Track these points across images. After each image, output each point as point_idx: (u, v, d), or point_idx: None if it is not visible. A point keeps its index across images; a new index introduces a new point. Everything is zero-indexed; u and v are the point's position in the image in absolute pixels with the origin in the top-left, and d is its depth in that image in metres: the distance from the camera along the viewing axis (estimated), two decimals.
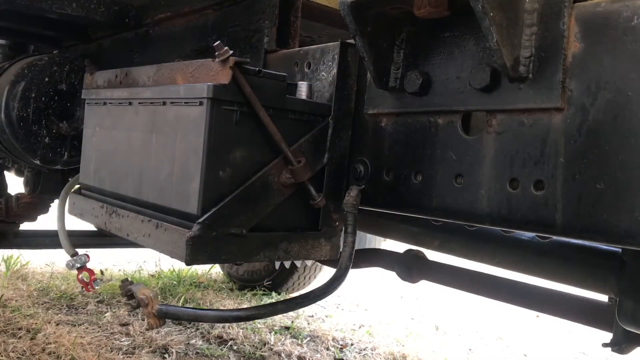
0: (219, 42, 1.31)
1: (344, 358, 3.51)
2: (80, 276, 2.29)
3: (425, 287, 3.82)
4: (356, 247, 1.50)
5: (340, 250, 1.52)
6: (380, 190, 1.44)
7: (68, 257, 2.28)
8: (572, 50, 1.07)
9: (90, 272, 2.30)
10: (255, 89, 1.34)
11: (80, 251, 2.31)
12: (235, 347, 3.41)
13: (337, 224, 1.55)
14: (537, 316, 4.55)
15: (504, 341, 4.20)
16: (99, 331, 3.35)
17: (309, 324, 4.10)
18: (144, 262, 5.17)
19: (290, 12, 1.79)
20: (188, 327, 3.62)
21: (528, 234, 1.66)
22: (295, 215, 1.49)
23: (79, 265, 2.26)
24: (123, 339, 3.26)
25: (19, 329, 3.20)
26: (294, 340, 3.66)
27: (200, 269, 5.06)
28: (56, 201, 2.53)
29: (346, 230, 1.48)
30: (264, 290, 4.51)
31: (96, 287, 2.33)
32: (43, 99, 2.43)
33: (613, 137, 1.01)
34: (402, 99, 1.38)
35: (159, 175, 1.50)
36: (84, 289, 2.32)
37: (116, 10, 2.40)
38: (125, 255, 5.23)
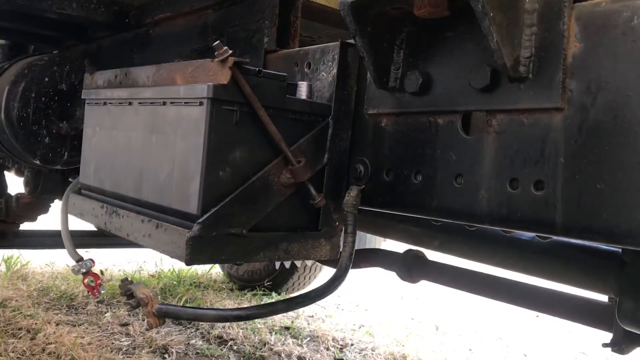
0: (218, 42, 1.31)
1: (344, 358, 3.51)
2: (86, 281, 2.29)
3: (425, 287, 3.82)
4: (356, 247, 1.50)
5: (340, 250, 1.52)
6: (380, 190, 1.44)
7: (71, 259, 2.28)
8: (572, 50, 1.07)
9: (96, 276, 2.30)
10: (255, 89, 1.34)
11: (81, 251, 2.31)
12: (235, 347, 3.41)
13: (337, 224, 1.55)
14: (537, 316, 4.55)
15: (504, 341, 4.20)
16: (99, 331, 3.35)
17: (309, 324, 4.10)
18: (144, 262, 5.17)
19: (290, 12, 1.79)
20: (188, 327, 3.62)
21: (528, 234, 1.66)
22: (295, 215, 1.49)
23: (84, 271, 2.26)
24: (123, 339, 3.26)
25: (19, 329, 3.20)
26: (294, 340, 3.66)
27: (200, 269, 5.06)
28: (56, 201, 2.53)
29: (346, 230, 1.48)
30: (264, 290, 4.51)
31: (102, 292, 2.33)
32: (43, 99, 2.43)
33: (613, 137, 1.01)
34: (402, 99, 1.38)
35: (159, 175, 1.50)
36: (90, 293, 2.32)
37: (116, 10, 2.40)
38: (125, 255, 5.23)
